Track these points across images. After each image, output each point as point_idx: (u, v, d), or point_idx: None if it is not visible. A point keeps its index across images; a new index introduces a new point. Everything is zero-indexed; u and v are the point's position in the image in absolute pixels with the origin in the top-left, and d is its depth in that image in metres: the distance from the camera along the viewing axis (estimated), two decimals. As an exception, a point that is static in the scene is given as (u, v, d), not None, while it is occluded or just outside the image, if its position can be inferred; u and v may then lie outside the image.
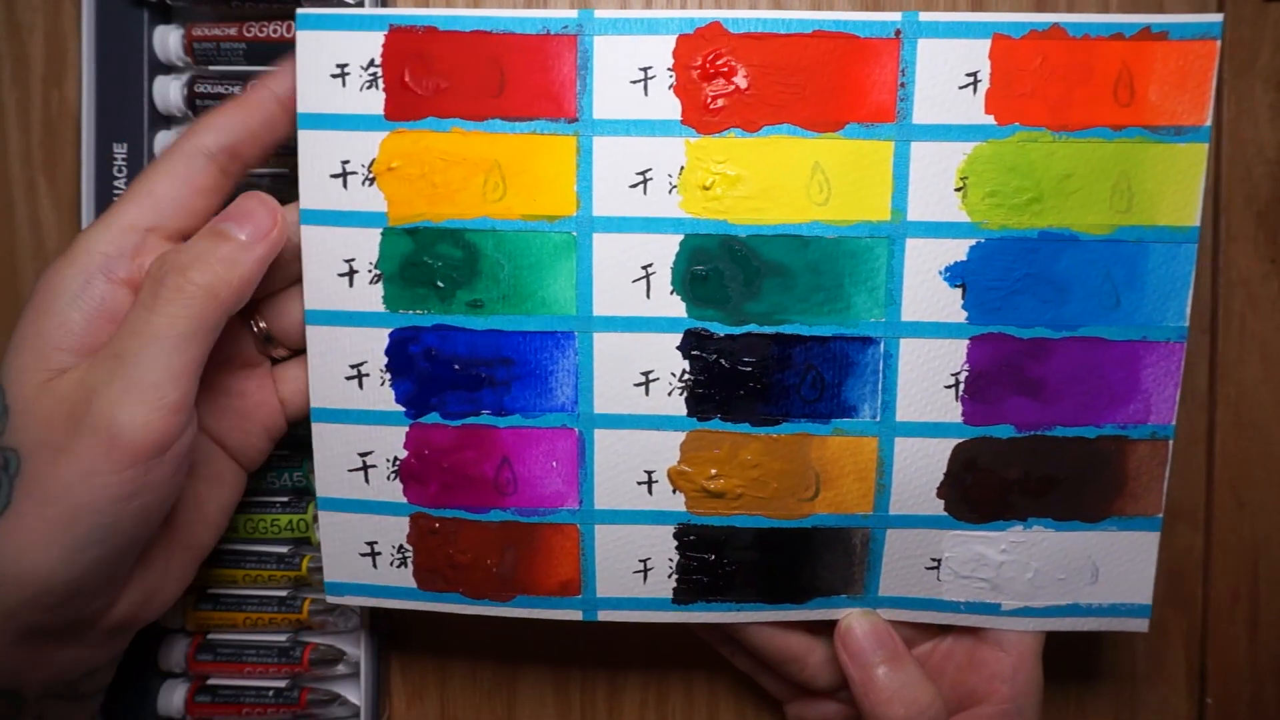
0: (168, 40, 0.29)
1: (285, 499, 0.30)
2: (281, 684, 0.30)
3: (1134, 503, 0.26)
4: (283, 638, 0.30)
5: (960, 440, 0.25)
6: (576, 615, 0.27)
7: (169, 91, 0.29)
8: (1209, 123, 0.23)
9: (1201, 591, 0.31)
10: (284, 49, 0.29)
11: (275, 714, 0.30)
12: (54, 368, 0.22)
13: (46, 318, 0.22)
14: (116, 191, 0.29)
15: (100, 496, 0.21)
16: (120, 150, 0.29)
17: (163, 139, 0.30)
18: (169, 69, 0.30)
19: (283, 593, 0.30)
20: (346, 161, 0.25)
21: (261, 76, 0.26)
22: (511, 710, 0.32)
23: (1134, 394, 0.25)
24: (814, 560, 0.26)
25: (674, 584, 0.26)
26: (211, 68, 0.30)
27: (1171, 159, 0.24)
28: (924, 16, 0.23)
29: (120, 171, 0.29)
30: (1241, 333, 0.30)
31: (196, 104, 0.29)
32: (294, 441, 0.29)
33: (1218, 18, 0.23)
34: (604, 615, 0.27)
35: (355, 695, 0.31)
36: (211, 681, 0.30)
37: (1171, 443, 0.25)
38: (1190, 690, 0.31)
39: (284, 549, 0.30)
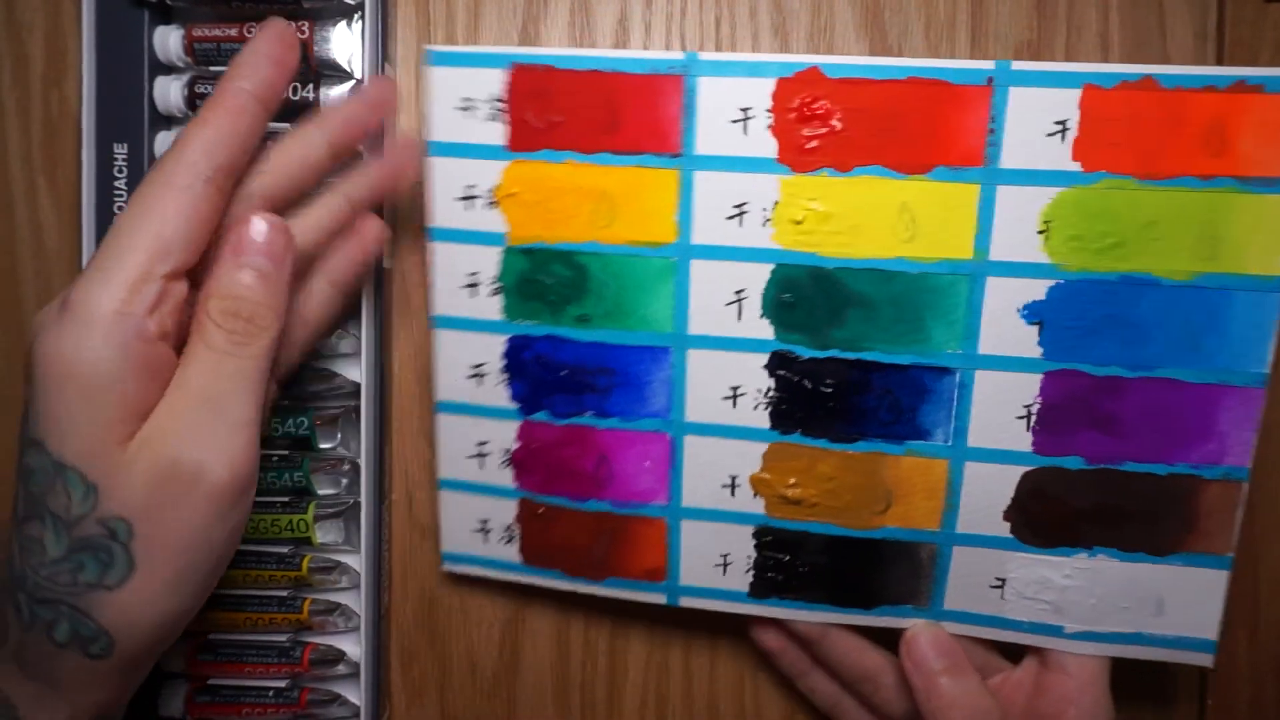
0: (168, 40, 0.29)
1: (285, 499, 0.30)
2: (281, 684, 0.30)
3: (1204, 540, 0.26)
4: (283, 638, 0.30)
5: (1029, 468, 0.26)
6: (661, 599, 0.29)
7: (169, 92, 0.29)
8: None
9: (1202, 591, 0.30)
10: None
11: (275, 714, 0.30)
12: (121, 437, 0.22)
13: (97, 396, 0.21)
14: (117, 193, 0.29)
15: (218, 536, 0.22)
16: (120, 150, 0.29)
17: (163, 139, 0.30)
18: (169, 69, 0.30)
19: (283, 593, 0.30)
20: (472, 186, 0.28)
21: (228, 75, 0.23)
22: (511, 710, 0.32)
23: (1210, 435, 0.25)
24: (882, 570, 0.28)
25: (751, 579, 0.29)
26: (212, 68, 0.29)
27: (1260, 209, 0.24)
28: (1016, 65, 0.24)
29: (120, 172, 0.29)
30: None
31: (197, 104, 0.29)
32: (294, 442, 0.30)
33: None
34: (685, 602, 0.29)
35: (355, 695, 0.30)
36: (212, 681, 0.30)
37: (1245, 485, 0.25)
38: (1190, 690, 0.31)
39: (284, 549, 0.30)
